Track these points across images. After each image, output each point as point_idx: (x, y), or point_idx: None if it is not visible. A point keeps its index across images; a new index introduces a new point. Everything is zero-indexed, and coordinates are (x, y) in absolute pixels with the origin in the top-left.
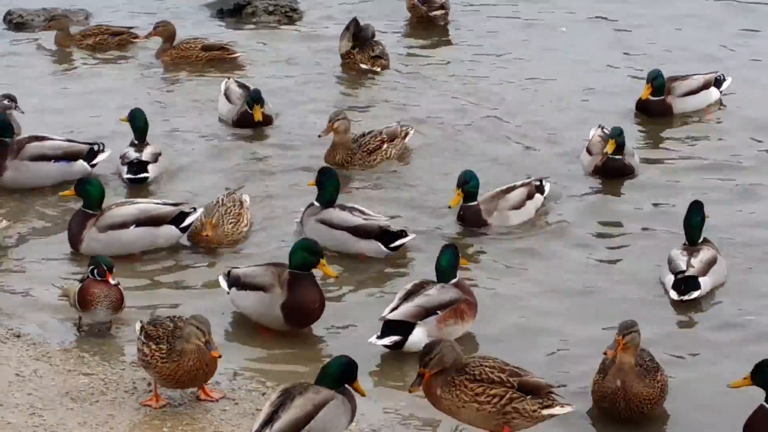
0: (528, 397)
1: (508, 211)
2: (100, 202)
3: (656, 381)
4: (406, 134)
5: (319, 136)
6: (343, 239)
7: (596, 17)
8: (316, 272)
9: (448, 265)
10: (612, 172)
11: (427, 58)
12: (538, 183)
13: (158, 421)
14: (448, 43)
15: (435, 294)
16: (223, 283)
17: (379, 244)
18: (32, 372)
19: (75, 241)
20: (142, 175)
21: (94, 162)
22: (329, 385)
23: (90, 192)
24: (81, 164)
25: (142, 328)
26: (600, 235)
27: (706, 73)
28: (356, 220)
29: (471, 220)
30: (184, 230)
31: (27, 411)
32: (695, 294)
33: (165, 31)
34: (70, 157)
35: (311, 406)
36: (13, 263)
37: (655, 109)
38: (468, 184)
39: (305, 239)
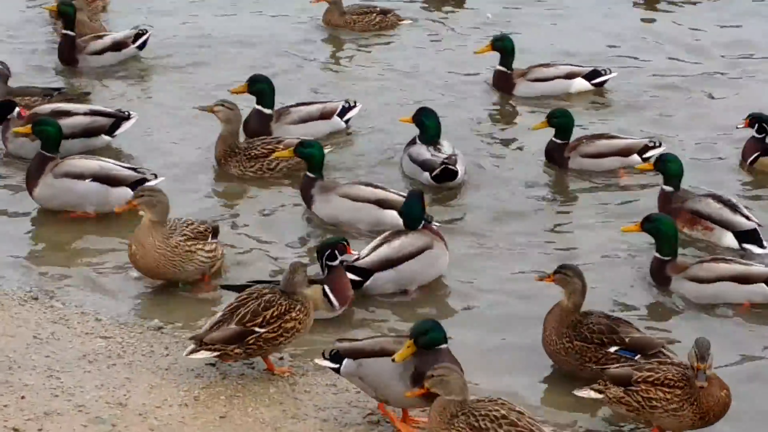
0: None
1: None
2: (57, 143)
3: (571, 344)
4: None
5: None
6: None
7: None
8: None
9: None
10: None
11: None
12: None
13: (174, 385)
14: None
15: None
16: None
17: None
18: (50, 334)
19: (30, 185)
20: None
21: (114, 133)
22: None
23: (48, 132)
24: (102, 138)
25: (270, 316)
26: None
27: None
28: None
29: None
30: None
31: (44, 373)
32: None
33: None
34: (89, 133)
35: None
36: (30, 226)
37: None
38: (556, 119)
39: (426, 321)
